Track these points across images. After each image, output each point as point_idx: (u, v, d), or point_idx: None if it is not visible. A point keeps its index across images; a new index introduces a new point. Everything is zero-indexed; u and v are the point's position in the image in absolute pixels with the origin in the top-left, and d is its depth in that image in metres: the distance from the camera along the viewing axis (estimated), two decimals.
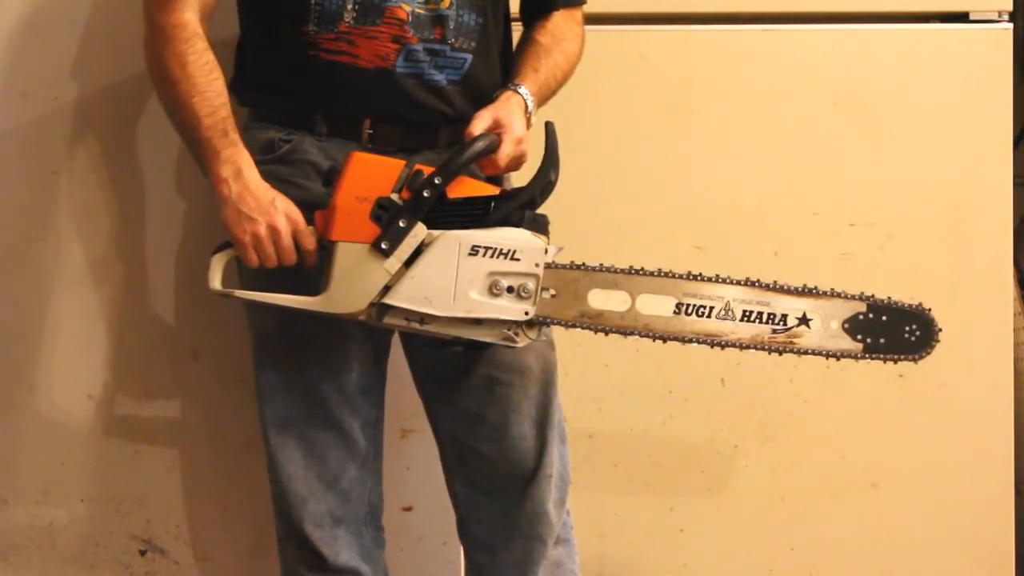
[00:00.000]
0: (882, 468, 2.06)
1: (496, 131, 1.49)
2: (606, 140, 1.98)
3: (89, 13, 1.89)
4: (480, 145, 1.45)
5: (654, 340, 1.49)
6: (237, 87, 1.60)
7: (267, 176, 1.50)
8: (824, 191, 2.02)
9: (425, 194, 1.42)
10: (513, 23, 1.68)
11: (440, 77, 1.55)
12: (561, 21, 1.65)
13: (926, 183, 2.02)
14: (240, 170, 1.45)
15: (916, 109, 2.01)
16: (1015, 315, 2.10)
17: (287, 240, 1.44)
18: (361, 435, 1.64)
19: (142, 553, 2.01)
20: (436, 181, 1.42)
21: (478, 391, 1.61)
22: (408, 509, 1.98)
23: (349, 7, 1.50)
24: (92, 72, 1.90)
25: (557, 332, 1.61)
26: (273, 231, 1.44)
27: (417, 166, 1.43)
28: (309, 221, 1.46)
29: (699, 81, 2.00)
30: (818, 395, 2.03)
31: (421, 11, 1.52)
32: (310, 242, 1.45)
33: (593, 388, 2.02)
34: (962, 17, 2.01)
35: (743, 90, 2.00)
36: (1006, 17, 2.00)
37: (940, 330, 1.50)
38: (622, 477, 2.05)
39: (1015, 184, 2.04)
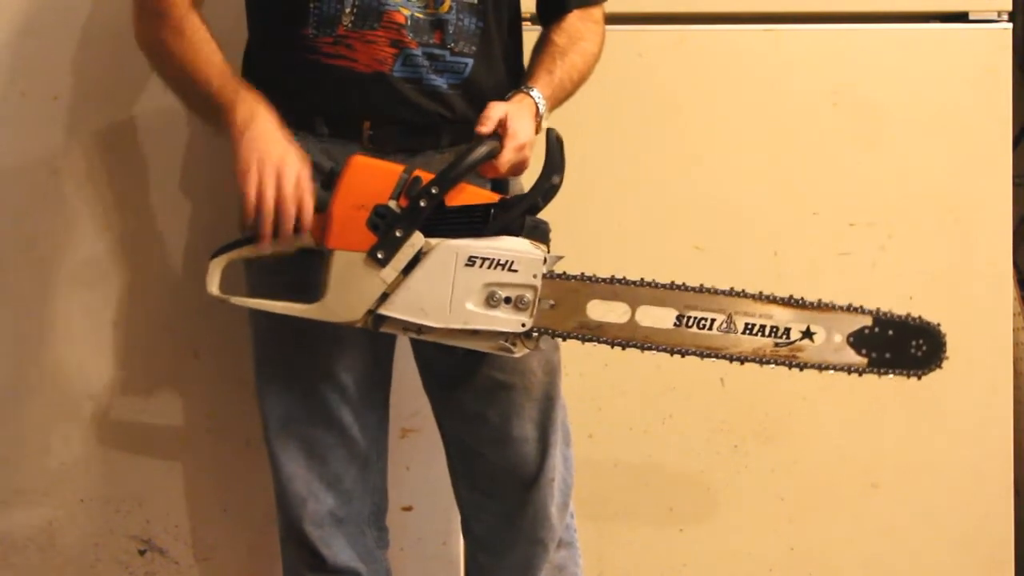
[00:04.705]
0: (882, 468, 2.06)
1: (501, 133, 1.46)
2: (605, 140, 1.98)
3: (89, 13, 1.89)
4: (481, 152, 1.43)
5: (656, 351, 1.47)
6: None
7: None
8: (824, 191, 2.02)
9: (422, 204, 1.40)
10: (532, 24, 1.66)
11: (440, 81, 1.54)
12: (577, 21, 1.62)
13: (926, 183, 2.02)
14: (256, 113, 1.44)
15: (916, 109, 2.01)
16: (1015, 315, 2.10)
17: (290, 187, 1.40)
18: (363, 435, 1.63)
19: (142, 553, 2.01)
20: (433, 191, 1.40)
21: (481, 393, 1.60)
22: (408, 509, 1.98)
23: (347, 11, 1.49)
24: (92, 72, 1.90)
25: None
26: (279, 173, 1.40)
27: (416, 172, 1.42)
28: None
29: (698, 81, 2.00)
30: (818, 395, 2.03)
31: (420, 15, 1.51)
32: (311, 197, 1.42)
33: (593, 388, 2.01)
34: (962, 17, 2.01)
35: (742, 90, 2.00)
36: (1005, 17, 2.00)
37: (946, 349, 1.49)
38: (622, 477, 2.05)
39: (1015, 184, 2.04)
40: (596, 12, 1.65)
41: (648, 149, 2.00)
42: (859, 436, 2.05)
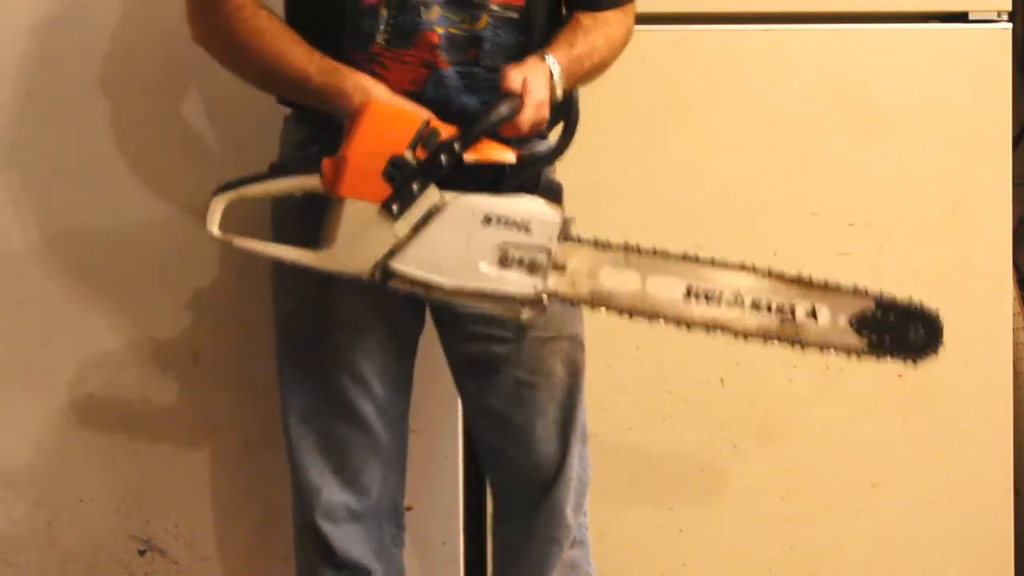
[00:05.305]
0: (882, 468, 2.06)
1: (521, 92, 1.43)
2: (605, 141, 1.98)
3: (91, 13, 1.88)
4: (504, 110, 1.39)
5: (664, 322, 1.46)
6: None
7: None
8: (824, 191, 2.02)
9: (443, 159, 1.36)
10: None
11: (470, 100, 1.51)
12: (607, 11, 1.60)
13: (925, 183, 2.02)
14: (369, 89, 1.42)
15: (916, 109, 2.01)
16: (1015, 315, 2.10)
17: None
18: (385, 430, 1.62)
19: (141, 553, 2.01)
20: (455, 147, 1.36)
21: (506, 394, 1.61)
22: (408, 509, 1.97)
23: (381, 28, 1.48)
24: (93, 72, 1.90)
25: None
26: None
27: (434, 123, 1.38)
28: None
29: (699, 81, 2.00)
30: (818, 395, 2.03)
31: (455, 31, 1.49)
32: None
33: (593, 388, 1.99)
34: (961, 17, 2.01)
35: (743, 90, 2.00)
36: (1005, 17, 2.00)
37: (943, 336, 1.50)
38: (622, 477, 2.05)
39: (1015, 184, 2.04)
40: (627, 8, 1.64)
41: (647, 149, 2.00)
42: (859, 436, 2.05)
